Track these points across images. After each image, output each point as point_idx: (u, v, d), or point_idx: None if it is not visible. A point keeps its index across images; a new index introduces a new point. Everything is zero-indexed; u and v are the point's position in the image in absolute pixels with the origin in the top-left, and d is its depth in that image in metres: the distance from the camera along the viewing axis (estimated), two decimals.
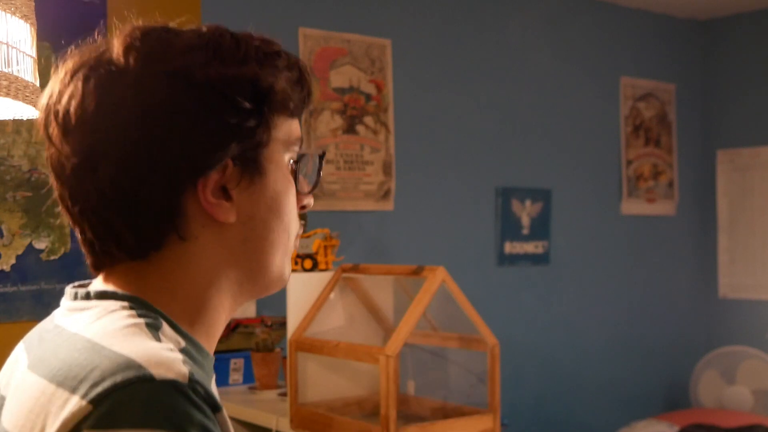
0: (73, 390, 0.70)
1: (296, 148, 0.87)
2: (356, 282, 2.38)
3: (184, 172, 0.79)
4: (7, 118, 1.27)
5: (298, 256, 2.38)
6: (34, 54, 1.23)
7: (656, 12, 4.58)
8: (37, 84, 1.22)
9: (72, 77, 0.81)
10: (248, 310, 2.91)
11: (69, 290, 0.86)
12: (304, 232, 2.46)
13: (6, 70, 1.14)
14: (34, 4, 1.23)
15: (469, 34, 3.88)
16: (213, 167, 0.79)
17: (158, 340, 0.75)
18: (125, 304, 0.79)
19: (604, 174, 4.40)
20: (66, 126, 0.79)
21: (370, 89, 3.54)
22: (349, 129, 3.47)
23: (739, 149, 4.65)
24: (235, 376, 2.81)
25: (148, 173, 0.78)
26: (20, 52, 1.17)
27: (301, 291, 2.30)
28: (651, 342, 4.54)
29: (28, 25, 1.20)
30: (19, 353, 0.86)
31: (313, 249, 2.37)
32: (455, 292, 2.14)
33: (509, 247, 4.01)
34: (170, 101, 0.78)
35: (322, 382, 2.33)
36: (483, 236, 3.94)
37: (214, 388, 0.83)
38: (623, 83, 4.46)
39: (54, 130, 0.81)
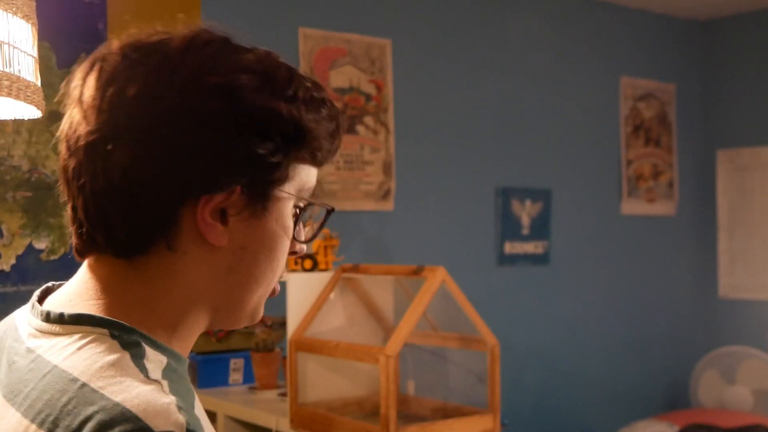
0: None
1: (306, 195, 0.87)
2: (356, 282, 2.38)
3: (194, 184, 0.78)
4: (7, 118, 1.27)
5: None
6: (35, 54, 1.23)
7: (656, 12, 4.58)
8: (38, 84, 1.22)
9: (125, 53, 0.80)
10: None
11: (39, 308, 0.83)
12: None
13: (7, 70, 1.14)
14: (35, 4, 1.23)
15: (470, 34, 3.88)
16: (222, 189, 0.79)
17: (145, 372, 0.74)
18: (105, 331, 0.77)
19: (604, 174, 4.40)
20: (102, 97, 0.78)
21: (370, 89, 3.54)
22: (349, 129, 3.47)
23: (739, 149, 4.65)
24: (235, 376, 2.81)
25: (161, 173, 0.77)
26: (21, 51, 1.17)
27: (301, 291, 2.30)
28: (651, 342, 4.54)
29: (29, 24, 1.20)
30: None
31: (313, 249, 2.37)
32: (455, 292, 2.14)
33: (509, 247, 4.01)
34: (209, 112, 0.78)
35: (322, 382, 2.33)
36: (483, 236, 3.94)
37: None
38: (623, 83, 4.46)
39: (89, 94, 0.79)
